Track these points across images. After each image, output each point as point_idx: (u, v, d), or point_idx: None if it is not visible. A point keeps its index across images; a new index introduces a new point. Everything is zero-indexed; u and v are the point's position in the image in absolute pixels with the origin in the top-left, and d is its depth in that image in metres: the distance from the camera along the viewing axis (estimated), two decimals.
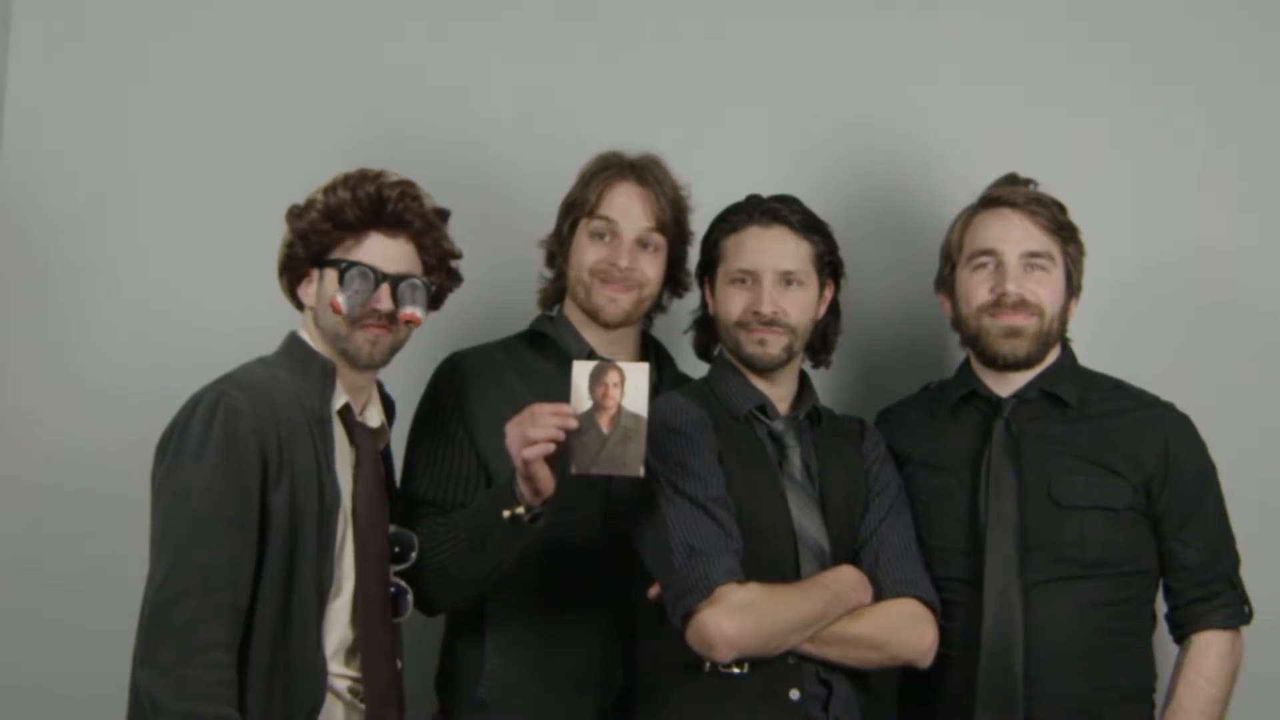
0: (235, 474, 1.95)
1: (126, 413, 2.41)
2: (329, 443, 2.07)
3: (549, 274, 2.42)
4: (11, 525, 2.68)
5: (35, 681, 2.61)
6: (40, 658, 2.59)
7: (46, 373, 2.30)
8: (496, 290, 2.58)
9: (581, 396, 1.99)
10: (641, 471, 1.99)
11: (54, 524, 2.67)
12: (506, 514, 2.04)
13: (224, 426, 1.96)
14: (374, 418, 2.20)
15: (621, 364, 2.02)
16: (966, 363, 2.41)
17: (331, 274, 2.10)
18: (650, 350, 2.43)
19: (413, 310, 2.09)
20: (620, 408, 1.99)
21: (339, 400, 2.12)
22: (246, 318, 2.43)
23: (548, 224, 2.40)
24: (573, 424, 1.97)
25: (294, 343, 2.15)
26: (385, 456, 2.25)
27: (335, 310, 2.06)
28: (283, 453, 1.99)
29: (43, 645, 2.65)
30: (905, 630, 2.15)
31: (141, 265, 2.46)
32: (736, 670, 2.07)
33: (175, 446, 1.98)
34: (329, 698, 2.04)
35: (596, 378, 2.00)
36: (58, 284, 2.38)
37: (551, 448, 1.97)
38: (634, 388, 2.00)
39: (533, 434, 1.96)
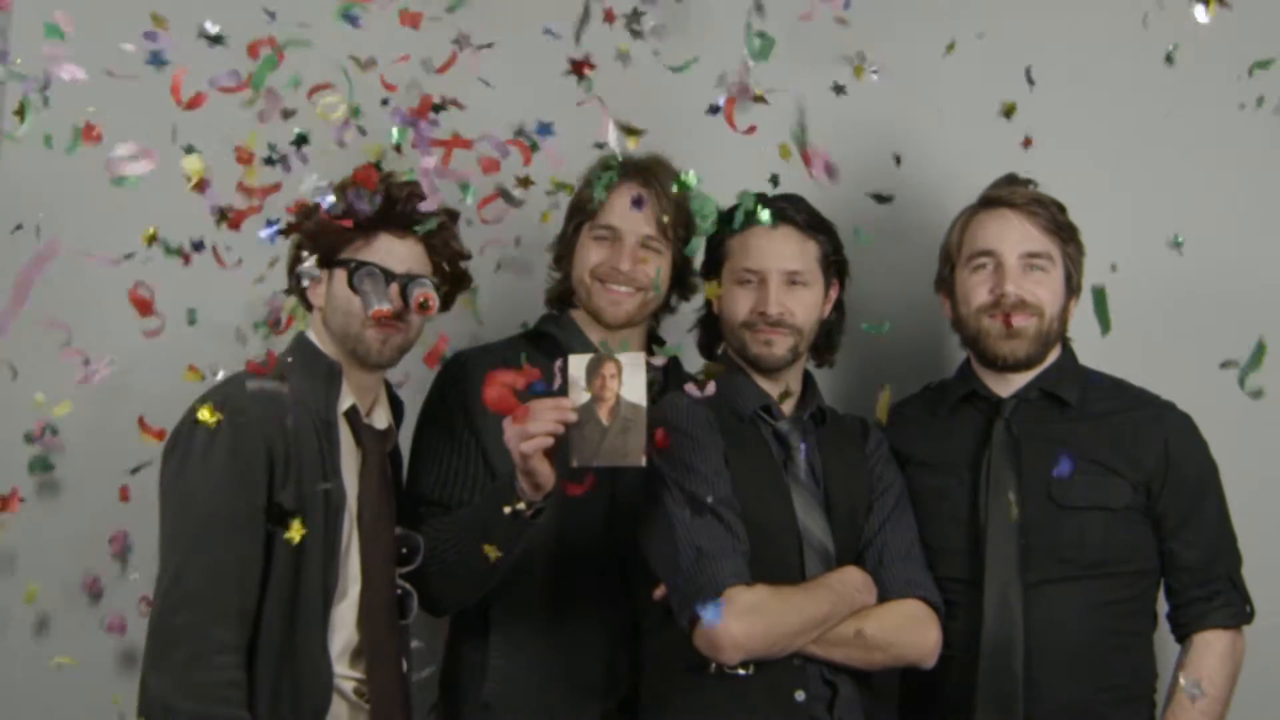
0: (241, 476, 1.96)
1: (133, 414, 2.40)
2: (335, 444, 2.08)
3: (556, 275, 2.42)
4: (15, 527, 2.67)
5: (38, 682, 2.60)
6: (48, 658, 2.58)
7: (50, 375, 2.29)
8: (503, 290, 2.58)
9: (579, 389, 1.99)
10: (643, 461, 1.99)
11: (58, 526, 2.66)
12: (507, 510, 2.04)
13: (230, 428, 1.96)
14: (381, 419, 2.20)
15: (618, 355, 2.02)
16: (967, 363, 2.41)
17: (341, 274, 2.10)
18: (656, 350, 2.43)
19: (425, 290, 2.08)
20: (619, 398, 1.99)
21: (345, 402, 2.12)
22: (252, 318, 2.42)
23: (556, 224, 2.40)
24: (571, 417, 1.97)
25: (301, 344, 2.15)
26: (394, 458, 2.25)
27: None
28: (289, 455, 1.99)
29: (51, 646, 2.64)
30: (909, 631, 2.16)
31: (145, 266, 2.45)
32: (742, 672, 2.07)
33: (182, 449, 1.99)
34: (335, 699, 2.05)
35: (593, 370, 2.00)
36: (59, 284, 2.36)
37: (550, 441, 1.97)
38: (631, 378, 1.99)
39: (531, 428, 1.96)
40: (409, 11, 2.24)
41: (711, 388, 2.09)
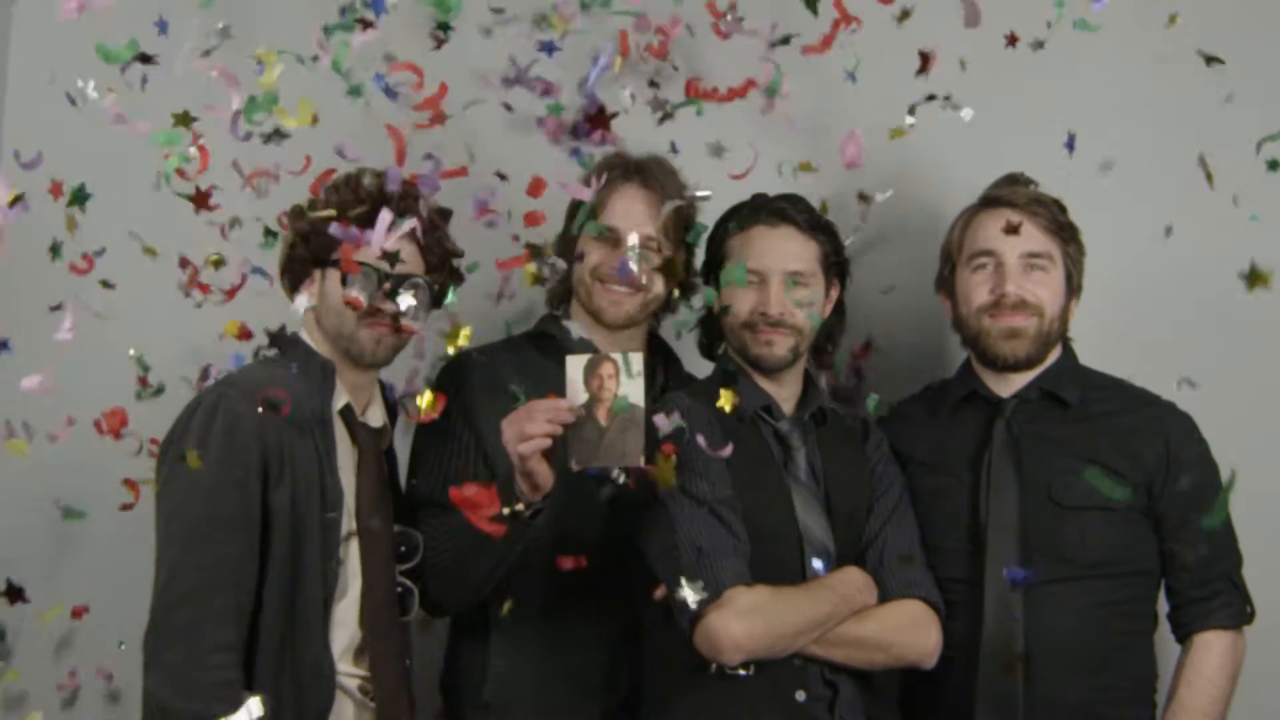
0: (236, 475, 1.97)
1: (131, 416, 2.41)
2: (330, 443, 2.08)
3: (556, 275, 2.41)
4: (15, 530, 2.67)
5: (37, 684, 2.60)
6: (48, 660, 2.58)
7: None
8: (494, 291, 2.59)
9: (577, 390, 1.99)
10: (642, 461, 1.99)
11: (57, 529, 2.66)
12: (506, 511, 2.04)
13: (224, 428, 1.97)
14: (376, 417, 2.20)
15: (615, 355, 2.02)
16: (967, 363, 2.41)
17: (334, 274, 2.10)
18: (658, 350, 2.43)
19: (411, 324, 2.11)
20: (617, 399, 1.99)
21: (340, 400, 2.13)
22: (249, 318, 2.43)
23: (557, 223, 2.40)
24: (569, 418, 1.97)
25: (295, 343, 2.15)
26: (389, 456, 2.25)
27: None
28: (283, 454, 2.00)
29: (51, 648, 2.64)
30: (910, 632, 2.16)
31: (144, 266, 2.47)
32: (742, 672, 2.07)
33: (177, 450, 1.98)
34: (340, 696, 2.06)
35: (591, 370, 2.00)
36: (57, 286, 2.38)
37: (547, 443, 1.97)
38: (629, 378, 1.99)
39: (529, 429, 1.96)
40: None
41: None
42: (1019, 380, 2.33)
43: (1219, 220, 2.56)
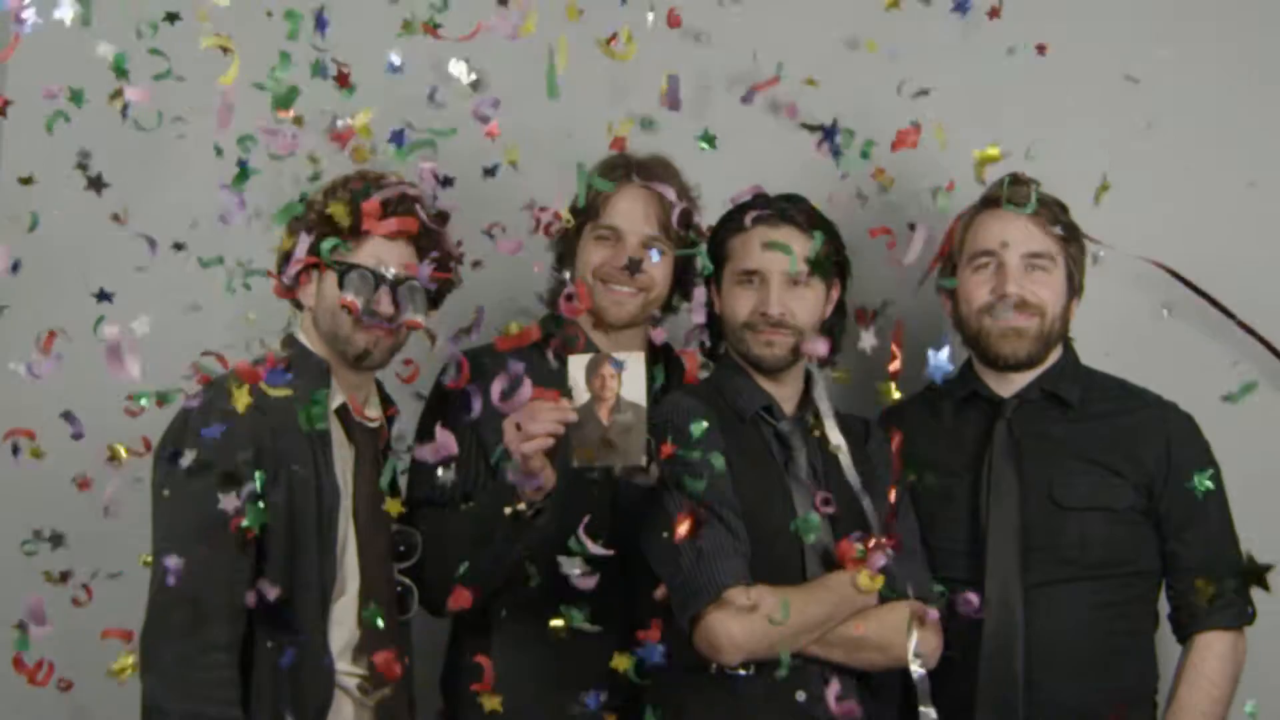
0: (230, 475, 1.95)
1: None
2: (326, 442, 2.08)
3: (557, 274, 2.41)
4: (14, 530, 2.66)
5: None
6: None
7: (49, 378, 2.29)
8: (505, 290, 2.57)
9: (579, 390, 2.00)
10: (644, 461, 2.00)
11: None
12: (508, 511, 2.05)
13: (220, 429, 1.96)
14: (373, 416, 2.19)
15: (617, 354, 2.02)
16: (968, 363, 2.41)
17: (331, 276, 2.09)
18: (659, 350, 2.43)
19: (414, 317, 2.11)
20: (619, 398, 1.99)
21: (336, 400, 2.12)
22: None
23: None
24: (571, 417, 1.98)
25: (290, 343, 2.15)
26: (388, 454, 2.24)
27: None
28: (278, 454, 1.99)
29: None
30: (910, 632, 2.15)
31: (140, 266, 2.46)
32: (742, 672, 2.07)
33: (172, 449, 1.98)
34: (339, 695, 2.06)
35: (593, 370, 2.00)
36: (57, 286, 2.36)
37: (550, 442, 1.97)
38: (631, 378, 2.00)
39: (530, 429, 1.97)
40: None
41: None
42: (1020, 380, 2.34)
43: (1221, 219, 2.57)
